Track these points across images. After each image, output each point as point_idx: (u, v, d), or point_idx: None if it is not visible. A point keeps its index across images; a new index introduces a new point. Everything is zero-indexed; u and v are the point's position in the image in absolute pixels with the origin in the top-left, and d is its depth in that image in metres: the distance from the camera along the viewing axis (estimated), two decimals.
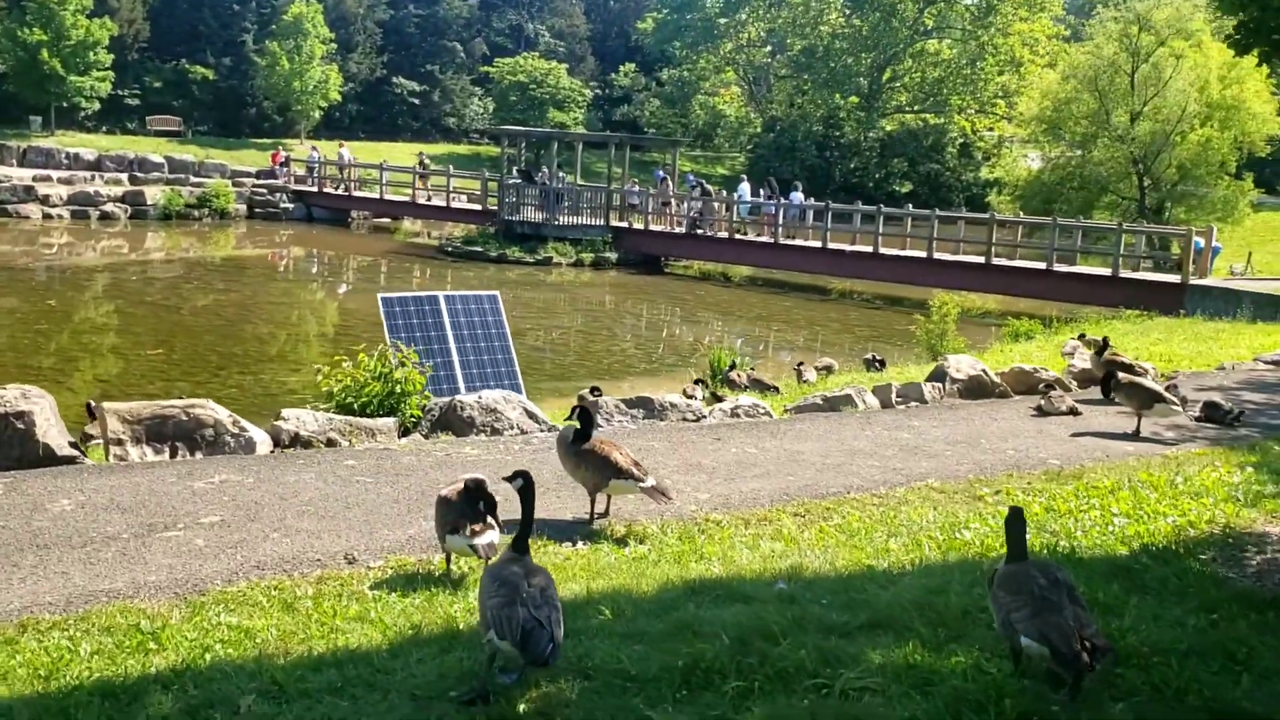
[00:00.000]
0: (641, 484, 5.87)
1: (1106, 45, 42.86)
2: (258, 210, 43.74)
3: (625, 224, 37.89)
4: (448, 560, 5.13)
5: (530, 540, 4.02)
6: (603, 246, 36.62)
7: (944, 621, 4.19)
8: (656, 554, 5.51)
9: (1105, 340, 10.94)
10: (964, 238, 33.64)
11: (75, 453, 6.82)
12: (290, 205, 44.30)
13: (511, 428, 8.33)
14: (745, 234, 36.51)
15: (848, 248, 33.74)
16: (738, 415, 9.33)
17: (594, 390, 15.85)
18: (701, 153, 74.19)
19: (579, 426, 6.07)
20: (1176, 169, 41.94)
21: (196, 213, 42.06)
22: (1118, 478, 7.22)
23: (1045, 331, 24.32)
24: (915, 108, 71.52)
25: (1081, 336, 19.33)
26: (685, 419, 9.03)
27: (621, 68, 76.85)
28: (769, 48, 76.24)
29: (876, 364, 18.99)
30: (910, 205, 39.21)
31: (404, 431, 8.05)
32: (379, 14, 64.41)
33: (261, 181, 45.05)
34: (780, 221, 35.24)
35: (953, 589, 4.59)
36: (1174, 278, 28.12)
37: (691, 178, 42.09)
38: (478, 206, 41.25)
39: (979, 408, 9.99)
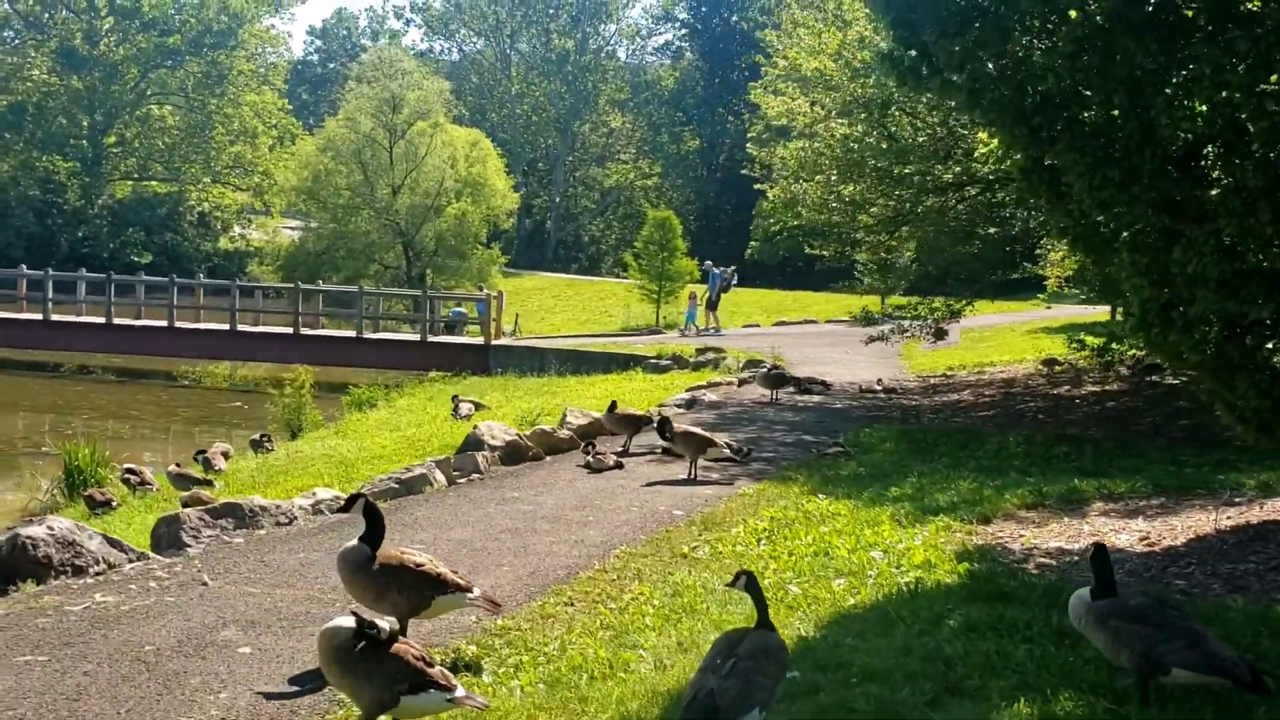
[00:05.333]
0: (470, 595, 4.99)
1: (364, 120, 45.00)
2: None
3: None
4: None
5: None
6: None
7: (980, 671, 4.26)
8: (538, 681, 4.72)
9: (614, 402, 11.61)
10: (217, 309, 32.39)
11: None
12: None
13: (98, 563, 6.39)
14: None
15: (136, 322, 30.81)
16: (321, 511, 8.20)
17: None
18: None
19: (367, 539, 4.95)
20: (435, 240, 45.41)
21: None
22: (765, 521, 7.78)
23: (385, 395, 24.78)
24: (143, 174, 67.72)
25: (456, 398, 20.14)
26: (279, 523, 7.69)
27: None
28: None
29: (266, 443, 17.77)
30: (203, 278, 37.11)
31: None
32: None
33: None
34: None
35: (915, 642, 4.67)
36: (479, 340, 30.35)
37: None
38: None
39: (541, 471, 9.98)
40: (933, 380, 18.78)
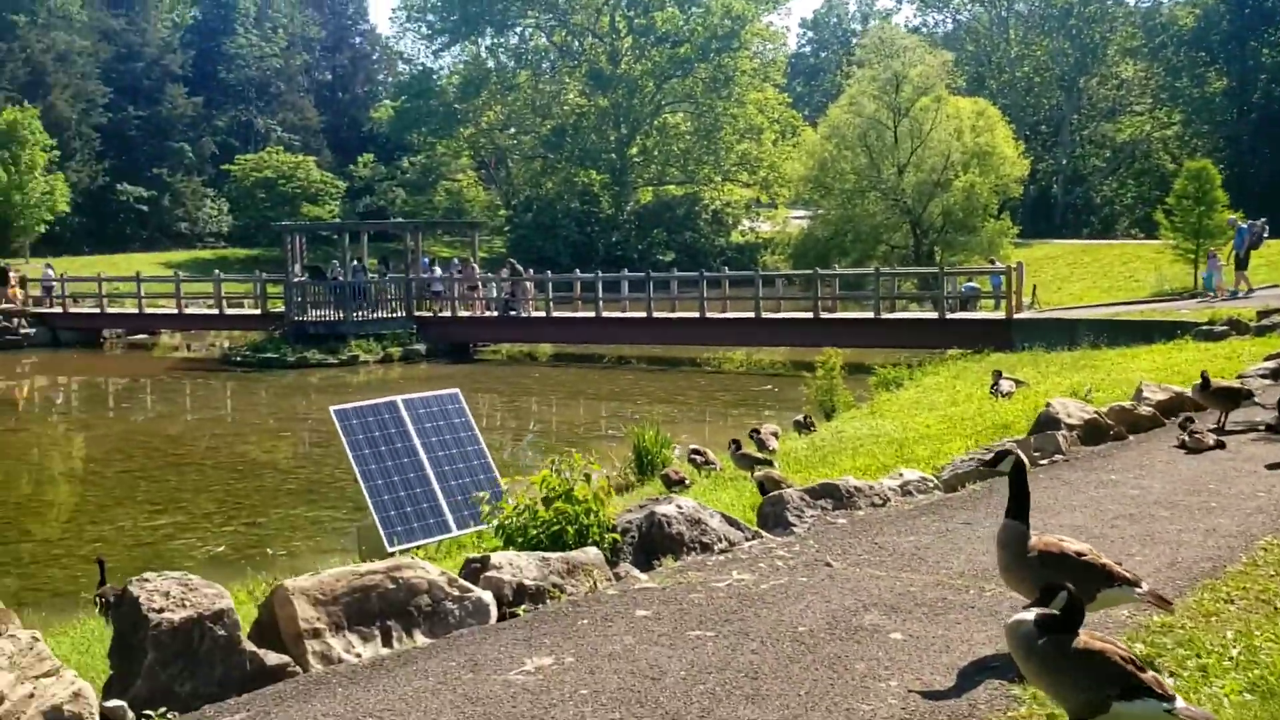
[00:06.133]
0: (1138, 590, 4.59)
1: (866, 103, 45.10)
2: None
3: (429, 313, 35.90)
4: None
5: None
6: (408, 339, 34.48)
7: None
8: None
9: (1205, 373, 10.51)
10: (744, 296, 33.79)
11: (284, 659, 4.76)
12: (31, 330, 39.27)
13: (720, 540, 6.78)
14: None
15: (672, 315, 33.27)
16: (910, 493, 8.14)
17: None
18: (454, 237, 72.49)
19: (1016, 513, 4.71)
20: (943, 215, 44.47)
21: None
22: None
23: (909, 374, 24.50)
24: (661, 180, 73.02)
25: (998, 373, 19.44)
26: (874, 504, 7.74)
27: (360, 158, 74.36)
28: (512, 129, 75.92)
29: (808, 425, 18.31)
30: (728, 271, 39.29)
31: (609, 561, 6.34)
32: (95, 118, 59.21)
33: None
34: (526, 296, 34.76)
35: None
36: (997, 315, 29.19)
37: (455, 261, 40.52)
38: (254, 311, 38.20)
39: (1129, 451, 9.27)
40: None
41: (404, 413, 12.42)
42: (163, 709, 4.31)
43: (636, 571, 6.23)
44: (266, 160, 60.84)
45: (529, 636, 5.02)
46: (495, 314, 35.58)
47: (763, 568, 6.12)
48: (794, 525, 7.28)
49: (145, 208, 61.49)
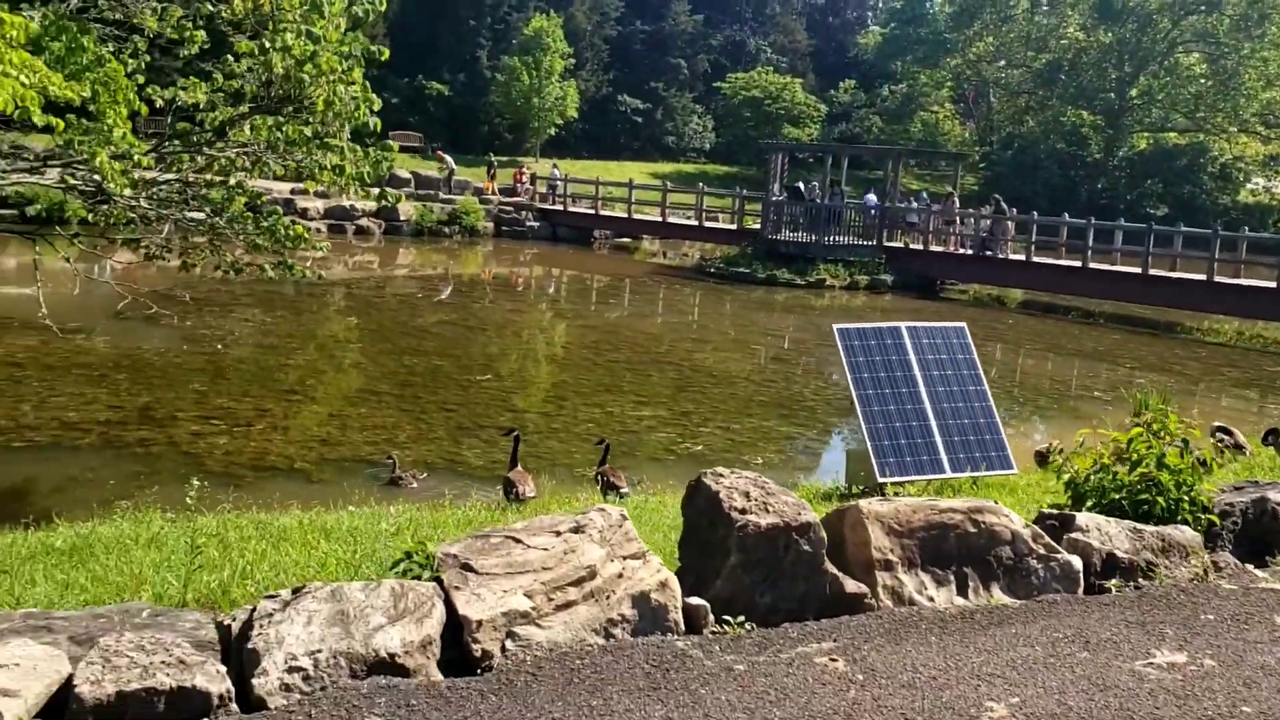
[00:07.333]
0: None
1: None
2: (505, 229, 42.55)
3: (901, 244, 34.90)
4: None
5: None
6: (876, 268, 33.73)
7: None
8: None
9: None
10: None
11: (862, 588, 4.35)
12: (536, 224, 42.99)
13: None
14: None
15: (1171, 274, 29.88)
16: None
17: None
18: (924, 170, 70.22)
19: None
20: None
21: (447, 229, 41.04)
22: None
23: None
24: (1163, 126, 65.97)
25: None
26: None
27: (841, 84, 73.77)
28: (1002, 62, 71.70)
29: None
30: (1246, 231, 34.88)
31: (1205, 547, 5.37)
32: (607, 30, 63.14)
33: (509, 200, 43.96)
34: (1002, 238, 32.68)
35: None
36: None
37: (922, 197, 38.80)
38: (729, 226, 39.20)
39: None
40: None
41: (906, 340, 11.78)
42: (741, 617, 4.03)
43: (1248, 566, 5.20)
44: (756, 80, 61.88)
45: (1142, 621, 4.25)
46: (969, 252, 33.90)
47: None
48: None
49: (639, 119, 64.94)
